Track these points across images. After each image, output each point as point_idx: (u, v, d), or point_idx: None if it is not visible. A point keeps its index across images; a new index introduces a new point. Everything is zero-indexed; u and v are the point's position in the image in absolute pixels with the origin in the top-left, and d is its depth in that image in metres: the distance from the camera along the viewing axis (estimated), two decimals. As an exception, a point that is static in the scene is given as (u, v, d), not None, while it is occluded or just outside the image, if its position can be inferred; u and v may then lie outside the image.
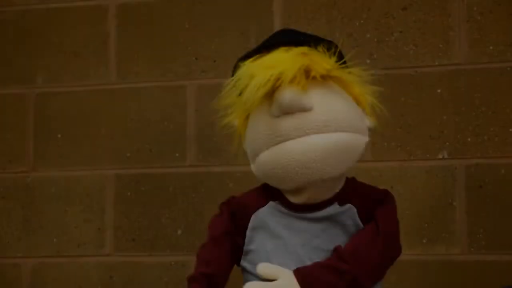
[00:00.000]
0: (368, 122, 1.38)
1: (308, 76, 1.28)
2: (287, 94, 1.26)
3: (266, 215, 1.39)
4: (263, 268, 1.34)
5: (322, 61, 1.29)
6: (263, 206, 1.40)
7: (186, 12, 2.14)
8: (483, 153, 1.95)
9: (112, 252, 2.13)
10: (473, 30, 1.98)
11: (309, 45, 1.31)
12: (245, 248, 1.40)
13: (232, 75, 1.38)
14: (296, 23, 2.05)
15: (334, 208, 1.36)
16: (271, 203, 1.39)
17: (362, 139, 1.35)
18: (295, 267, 1.33)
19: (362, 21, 2.03)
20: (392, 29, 2.02)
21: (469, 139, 1.96)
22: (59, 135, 2.19)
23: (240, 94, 1.32)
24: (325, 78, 1.31)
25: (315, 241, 1.35)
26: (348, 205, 1.36)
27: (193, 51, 2.13)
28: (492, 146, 1.95)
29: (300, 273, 1.31)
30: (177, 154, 2.11)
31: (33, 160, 2.19)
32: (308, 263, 1.33)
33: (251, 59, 1.32)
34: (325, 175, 1.31)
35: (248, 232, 1.39)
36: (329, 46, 1.32)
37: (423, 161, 1.98)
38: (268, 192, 1.41)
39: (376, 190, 1.41)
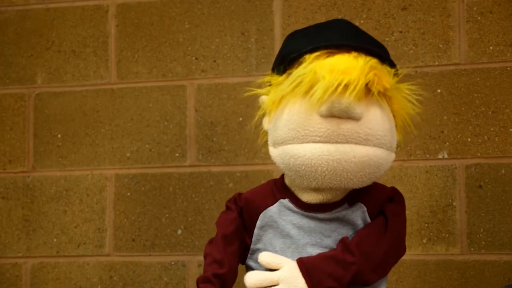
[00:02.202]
0: (397, 137, 1.37)
1: (367, 89, 1.27)
2: (345, 100, 1.24)
3: (275, 213, 1.37)
4: (265, 257, 1.33)
5: (384, 79, 1.28)
6: (272, 204, 1.37)
7: (186, 12, 2.14)
8: (483, 153, 1.95)
9: (112, 252, 2.13)
10: (473, 30, 1.98)
11: (378, 58, 1.29)
12: (252, 247, 1.38)
13: (283, 49, 1.36)
14: (296, 23, 2.05)
15: (344, 208, 1.34)
16: (281, 201, 1.37)
17: (392, 156, 1.34)
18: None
19: (362, 21, 2.03)
20: (392, 29, 2.02)
21: (469, 139, 1.96)
22: (59, 135, 2.19)
23: (295, 86, 1.29)
24: (379, 93, 1.30)
25: (325, 241, 1.33)
26: (358, 205, 1.35)
27: (193, 51, 2.13)
28: (492, 146, 1.95)
29: (304, 263, 1.30)
30: (177, 154, 2.11)
31: (33, 160, 2.19)
32: None
33: (316, 54, 1.27)
34: (351, 185, 1.31)
35: (256, 231, 1.38)
36: (392, 63, 1.32)
37: (423, 161, 1.98)
38: (277, 190, 1.39)
39: (385, 188, 1.40)
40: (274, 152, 1.34)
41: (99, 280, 2.13)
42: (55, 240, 2.16)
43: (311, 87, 1.25)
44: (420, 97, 1.35)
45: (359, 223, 1.34)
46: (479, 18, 1.98)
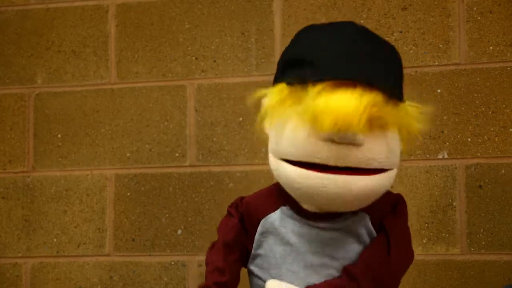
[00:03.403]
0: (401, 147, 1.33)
1: (370, 121, 1.22)
2: (346, 132, 1.19)
3: (277, 220, 1.34)
4: (271, 286, 1.30)
5: (390, 114, 1.24)
6: (273, 211, 1.35)
7: (186, 12, 2.14)
8: (483, 153, 1.95)
9: (112, 252, 2.13)
10: (473, 30, 1.98)
11: (384, 90, 1.22)
12: (253, 252, 1.36)
13: (291, 44, 1.32)
14: (296, 23, 2.05)
15: (346, 218, 1.31)
16: (282, 208, 1.35)
17: (395, 172, 1.31)
18: (305, 275, 1.30)
19: (362, 21, 2.03)
20: (392, 29, 2.02)
21: (469, 139, 1.96)
22: (59, 135, 2.19)
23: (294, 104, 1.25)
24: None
25: (327, 250, 1.31)
26: (361, 214, 1.32)
27: (193, 51, 2.13)
28: (492, 146, 1.95)
29: None
30: (177, 154, 2.11)
31: (33, 160, 2.19)
32: (319, 270, 1.30)
33: (319, 86, 1.21)
34: (353, 209, 1.29)
35: (257, 236, 1.36)
36: (400, 95, 1.27)
37: (423, 161, 1.98)
38: (279, 196, 1.36)
39: (390, 195, 1.36)
40: (273, 161, 1.31)
41: (99, 280, 2.13)
42: (55, 240, 2.16)
43: (310, 119, 1.21)
44: (425, 114, 1.30)
45: (362, 232, 1.32)
46: (479, 18, 1.98)
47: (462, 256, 1.94)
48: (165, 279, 2.09)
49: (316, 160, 1.23)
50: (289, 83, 1.26)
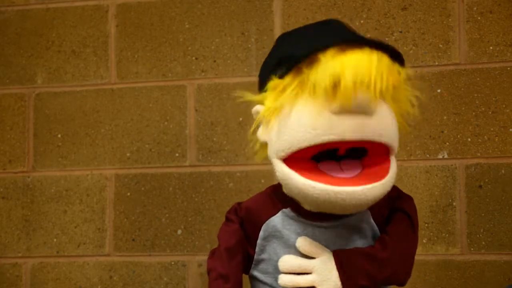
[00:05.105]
0: None
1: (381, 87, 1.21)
2: (362, 96, 1.18)
3: (279, 223, 1.33)
4: (303, 244, 1.29)
5: (395, 78, 1.24)
6: (274, 214, 1.34)
7: (186, 12, 2.14)
8: (483, 153, 1.95)
9: (112, 252, 2.13)
10: (473, 30, 1.98)
11: (389, 54, 1.24)
12: (256, 257, 1.35)
13: (278, 51, 1.31)
14: (296, 23, 2.05)
15: (349, 215, 1.31)
16: (283, 210, 1.33)
17: (395, 162, 1.31)
18: None
19: (362, 21, 2.03)
20: (392, 29, 2.02)
21: (469, 139, 1.96)
22: (59, 135, 2.19)
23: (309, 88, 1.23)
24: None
25: (332, 248, 1.30)
26: (364, 210, 1.32)
27: (193, 51, 2.13)
28: (492, 146, 1.95)
29: (340, 257, 1.27)
30: (177, 154, 2.11)
31: (33, 160, 2.19)
32: None
33: (331, 52, 1.20)
34: (360, 210, 1.29)
35: (259, 241, 1.34)
36: (401, 60, 1.27)
37: (423, 161, 1.98)
38: (278, 199, 1.35)
39: None
40: (279, 167, 1.27)
41: (99, 280, 2.13)
42: (55, 240, 2.16)
43: (333, 86, 1.18)
44: (418, 97, 1.33)
45: (364, 226, 1.32)
46: (479, 18, 1.98)
47: (462, 256, 1.94)
48: (165, 279, 2.09)
49: (332, 138, 1.20)
50: (286, 71, 1.24)
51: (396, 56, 1.26)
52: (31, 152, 2.20)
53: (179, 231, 2.09)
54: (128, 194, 2.13)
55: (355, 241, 1.32)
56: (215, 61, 2.11)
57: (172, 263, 2.09)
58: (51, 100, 2.20)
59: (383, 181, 1.25)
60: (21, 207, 2.19)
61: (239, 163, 2.08)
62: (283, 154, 1.25)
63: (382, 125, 1.23)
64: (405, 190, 1.97)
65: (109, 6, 2.19)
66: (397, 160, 1.99)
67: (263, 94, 1.29)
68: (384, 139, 1.24)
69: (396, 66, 1.25)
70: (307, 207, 1.31)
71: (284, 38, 1.35)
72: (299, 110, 1.23)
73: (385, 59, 1.22)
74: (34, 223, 2.17)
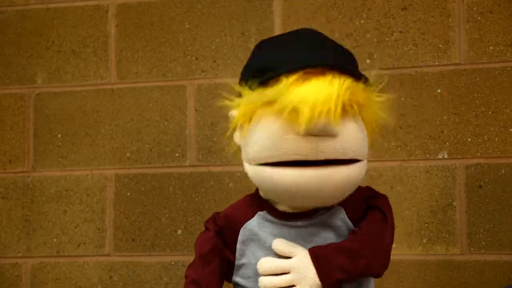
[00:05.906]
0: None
1: (343, 107, 1.25)
2: (323, 121, 1.22)
3: (255, 226, 1.36)
4: (278, 245, 1.32)
5: (360, 97, 1.28)
6: (250, 218, 1.37)
7: (186, 12, 2.14)
8: (483, 153, 1.95)
9: (112, 252, 2.13)
10: (473, 30, 1.98)
11: (353, 76, 1.27)
12: (236, 262, 1.37)
13: (255, 61, 1.34)
14: (296, 23, 2.05)
15: (323, 213, 1.34)
16: (259, 213, 1.37)
17: (366, 164, 1.33)
18: None
19: (362, 21, 2.03)
20: (392, 29, 2.02)
21: (469, 139, 1.96)
22: (59, 135, 2.19)
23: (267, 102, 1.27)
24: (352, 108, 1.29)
25: (307, 246, 1.32)
26: (336, 207, 1.34)
27: (193, 51, 2.13)
28: (492, 146, 1.95)
29: (315, 254, 1.29)
30: (177, 154, 2.11)
31: (33, 160, 2.19)
32: None
33: (293, 77, 1.24)
34: (331, 203, 1.32)
35: (238, 245, 1.37)
36: (365, 77, 1.30)
37: (423, 161, 1.98)
38: (254, 203, 1.39)
39: (360, 189, 1.39)
40: (249, 169, 1.34)
41: (99, 280, 2.13)
42: (55, 240, 2.16)
43: (295, 112, 1.23)
44: (389, 101, 1.34)
45: (340, 224, 1.34)
46: (479, 18, 1.98)
47: (462, 256, 1.94)
48: (165, 279, 2.09)
49: (297, 157, 1.25)
50: (259, 84, 1.28)
51: (359, 75, 1.29)
52: (31, 152, 2.20)
53: (179, 231, 2.09)
54: (128, 194, 2.13)
55: (330, 239, 1.33)
56: (215, 61, 2.11)
57: (172, 263, 2.09)
58: (51, 100, 2.20)
59: (350, 167, 1.28)
60: (21, 207, 2.19)
61: (239, 163, 2.07)
62: (253, 163, 1.32)
63: (346, 144, 1.27)
64: (405, 190, 1.98)
65: (109, 6, 2.19)
66: (397, 160, 2.00)
67: (238, 100, 1.33)
68: (349, 156, 1.27)
69: (360, 85, 1.28)
70: (281, 207, 1.35)
71: (261, 46, 1.39)
72: (267, 127, 1.28)
73: (347, 82, 1.25)
74: (34, 223, 2.17)
